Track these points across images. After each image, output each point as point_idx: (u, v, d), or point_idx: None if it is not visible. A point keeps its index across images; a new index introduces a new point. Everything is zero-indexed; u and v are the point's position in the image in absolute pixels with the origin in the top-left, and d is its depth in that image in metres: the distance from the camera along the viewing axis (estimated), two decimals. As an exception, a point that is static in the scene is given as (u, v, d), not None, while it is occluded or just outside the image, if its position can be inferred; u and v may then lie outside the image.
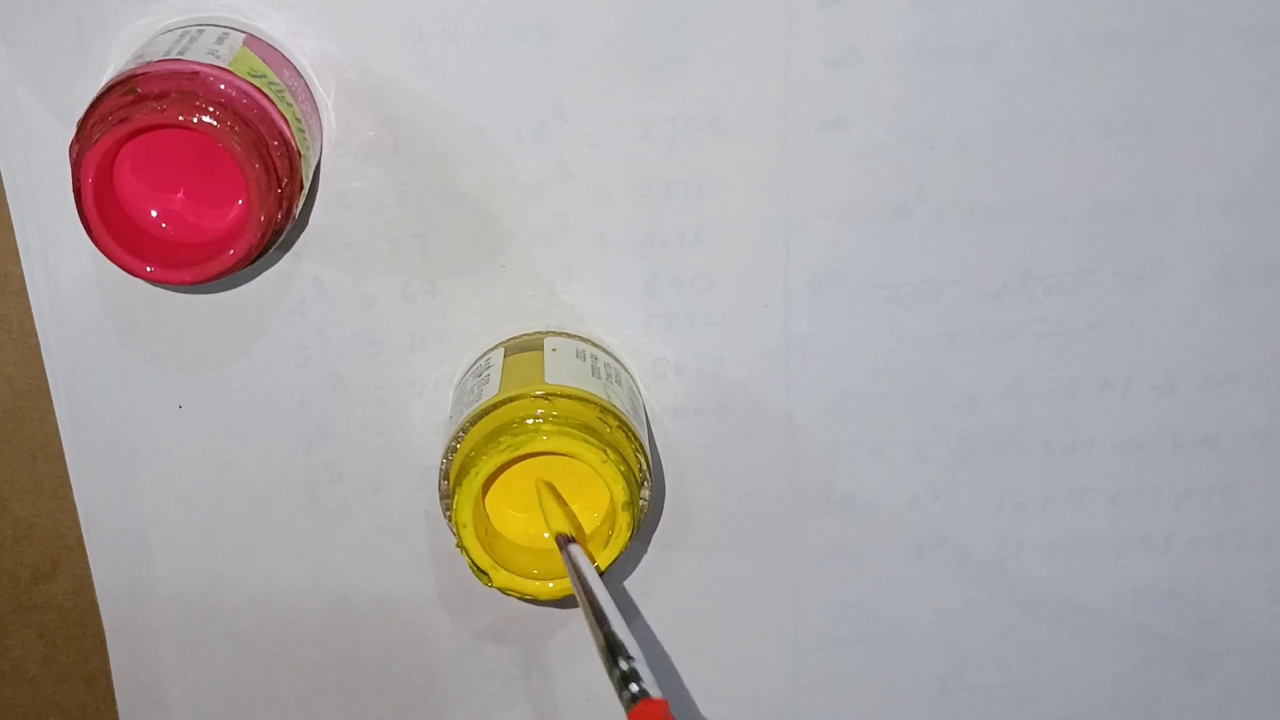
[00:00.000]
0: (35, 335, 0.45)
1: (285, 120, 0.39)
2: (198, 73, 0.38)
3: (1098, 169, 0.45)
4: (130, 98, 0.38)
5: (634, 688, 0.34)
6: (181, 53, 0.39)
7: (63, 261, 0.44)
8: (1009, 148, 0.45)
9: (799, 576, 0.50)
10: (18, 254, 0.44)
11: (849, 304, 0.46)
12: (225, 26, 0.42)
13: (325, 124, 0.43)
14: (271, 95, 0.39)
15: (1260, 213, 0.46)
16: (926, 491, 0.49)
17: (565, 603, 0.44)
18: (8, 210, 0.44)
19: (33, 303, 0.45)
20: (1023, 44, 0.43)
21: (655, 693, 0.34)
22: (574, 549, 0.42)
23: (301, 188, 0.40)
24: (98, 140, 0.38)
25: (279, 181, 0.39)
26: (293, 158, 0.39)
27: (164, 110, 0.37)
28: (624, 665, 0.35)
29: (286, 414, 0.47)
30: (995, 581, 0.51)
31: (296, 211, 0.40)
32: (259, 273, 0.45)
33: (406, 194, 0.44)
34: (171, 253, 0.39)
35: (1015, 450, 0.49)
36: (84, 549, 0.49)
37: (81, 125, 0.39)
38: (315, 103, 0.43)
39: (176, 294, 0.45)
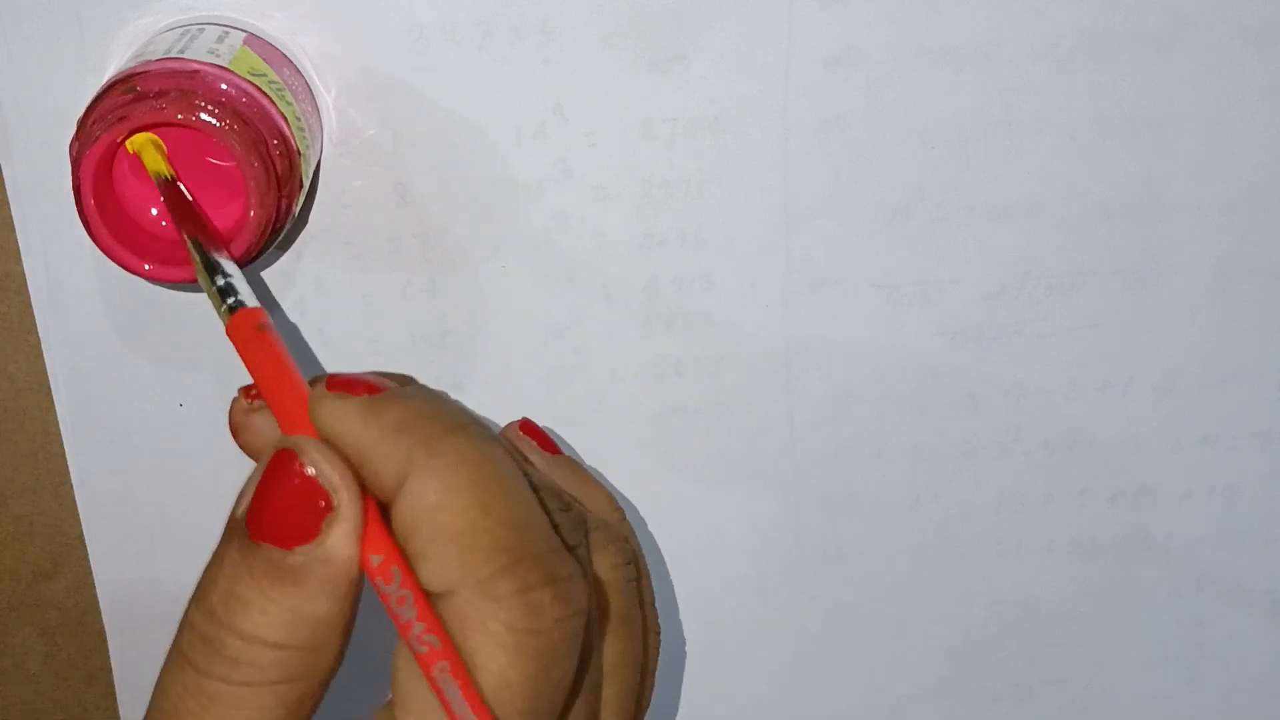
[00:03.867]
0: (36, 334, 0.45)
1: (285, 119, 0.39)
2: (198, 71, 0.38)
3: (1098, 169, 0.45)
4: (130, 96, 0.38)
5: (230, 300, 0.35)
6: (182, 51, 0.39)
7: (63, 260, 0.44)
8: (1009, 148, 0.45)
9: (799, 576, 0.50)
10: (18, 252, 0.44)
11: (849, 304, 0.46)
12: (226, 25, 0.42)
13: (325, 123, 0.43)
14: (271, 94, 0.39)
15: (1260, 213, 0.46)
16: (926, 491, 0.49)
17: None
18: (8, 209, 0.44)
19: (34, 301, 0.45)
20: (1023, 44, 0.43)
21: (252, 303, 0.35)
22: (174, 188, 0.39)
23: (301, 187, 0.40)
24: (98, 138, 0.38)
25: (279, 180, 0.39)
26: (292, 157, 0.39)
27: (164, 109, 0.37)
28: (220, 281, 0.36)
29: (287, 413, 0.47)
30: (995, 581, 0.51)
31: (296, 210, 0.40)
32: (259, 272, 0.45)
33: (406, 194, 0.44)
34: (171, 252, 0.39)
35: (1015, 450, 0.49)
36: (85, 547, 0.49)
37: (82, 123, 0.39)
38: (315, 101, 0.43)
39: (176, 293, 0.45)
